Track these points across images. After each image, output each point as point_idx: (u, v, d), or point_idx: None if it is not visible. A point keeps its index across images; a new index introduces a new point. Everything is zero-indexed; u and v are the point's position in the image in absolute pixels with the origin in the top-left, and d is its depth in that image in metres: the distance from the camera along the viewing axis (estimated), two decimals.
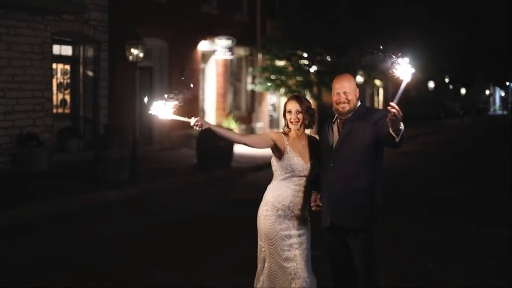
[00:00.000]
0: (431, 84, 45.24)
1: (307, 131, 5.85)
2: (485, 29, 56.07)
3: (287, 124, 5.80)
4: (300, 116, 5.73)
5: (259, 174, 18.39)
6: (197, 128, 5.33)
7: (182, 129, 22.65)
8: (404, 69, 4.83)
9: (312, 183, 5.80)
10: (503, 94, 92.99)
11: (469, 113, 61.47)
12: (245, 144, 5.65)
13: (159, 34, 21.55)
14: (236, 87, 27.89)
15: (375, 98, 44.59)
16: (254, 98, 28.34)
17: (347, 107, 5.60)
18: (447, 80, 52.85)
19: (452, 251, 9.66)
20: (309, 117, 5.76)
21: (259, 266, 5.90)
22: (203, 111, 25.12)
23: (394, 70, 4.87)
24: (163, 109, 5.36)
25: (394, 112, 4.79)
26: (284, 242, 5.67)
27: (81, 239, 10.34)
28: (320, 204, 5.78)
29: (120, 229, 11.14)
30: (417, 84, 41.00)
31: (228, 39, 24.60)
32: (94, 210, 12.80)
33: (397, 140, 5.01)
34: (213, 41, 24.50)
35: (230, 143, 19.09)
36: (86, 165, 16.37)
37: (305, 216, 5.79)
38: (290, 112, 5.76)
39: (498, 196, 15.30)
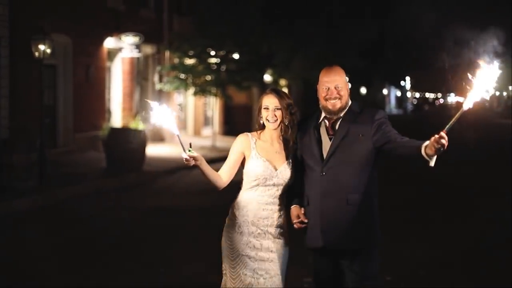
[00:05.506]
0: None
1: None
2: (392, 29, 56.91)
3: (263, 122, 4.93)
4: (278, 113, 4.87)
5: (173, 178, 17.62)
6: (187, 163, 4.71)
7: (87, 130, 21.47)
8: (475, 93, 4.18)
9: (292, 195, 4.92)
10: (398, 94, 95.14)
11: None
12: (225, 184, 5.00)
13: (63, 30, 20.23)
14: (143, 86, 26.81)
15: None
16: (162, 98, 27.30)
17: (338, 104, 4.78)
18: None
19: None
20: (289, 115, 4.89)
21: None
22: (109, 112, 23.95)
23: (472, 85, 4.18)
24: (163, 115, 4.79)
25: (443, 144, 4.07)
26: (247, 265, 4.77)
27: None
28: (306, 221, 4.79)
29: (29, 244, 9.94)
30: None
31: (135, 35, 23.51)
32: None
33: (431, 164, 4.26)
34: (120, 38, 23.40)
35: (141, 146, 18.23)
36: None
37: (280, 236, 4.88)
38: (267, 108, 4.90)
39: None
